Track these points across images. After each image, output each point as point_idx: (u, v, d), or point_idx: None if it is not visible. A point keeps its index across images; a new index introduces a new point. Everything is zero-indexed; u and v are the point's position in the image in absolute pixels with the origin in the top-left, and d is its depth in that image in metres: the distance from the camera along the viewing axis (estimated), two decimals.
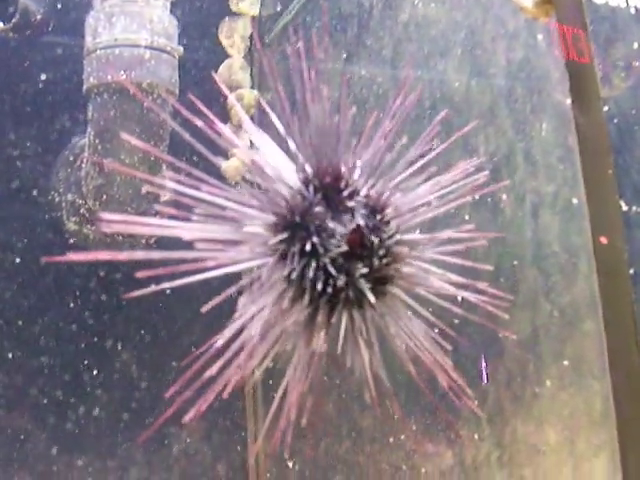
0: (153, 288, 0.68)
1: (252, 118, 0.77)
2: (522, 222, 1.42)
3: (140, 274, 0.72)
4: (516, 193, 1.45)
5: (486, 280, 0.83)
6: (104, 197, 1.45)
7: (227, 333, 0.72)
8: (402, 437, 1.59)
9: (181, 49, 1.50)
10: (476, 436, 1.52)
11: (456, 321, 0.89)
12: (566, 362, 1.36)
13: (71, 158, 1.54)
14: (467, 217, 1.42)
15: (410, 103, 0.85)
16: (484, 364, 1.45)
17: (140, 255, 0.77)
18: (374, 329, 0.79)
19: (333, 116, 0.81)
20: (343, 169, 0.81)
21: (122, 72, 1.42)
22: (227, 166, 1.45)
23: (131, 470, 1.50)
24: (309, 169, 0.79)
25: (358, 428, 1.57)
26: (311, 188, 0.78)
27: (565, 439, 1.35)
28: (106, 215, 0.75)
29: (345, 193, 0.79)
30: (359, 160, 0.84)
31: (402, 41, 1.58)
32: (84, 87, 1.48)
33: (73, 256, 0.68)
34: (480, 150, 1.48)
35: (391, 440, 1.55)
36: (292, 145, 0.81)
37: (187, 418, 0.68)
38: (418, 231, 0.85)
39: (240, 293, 0.77)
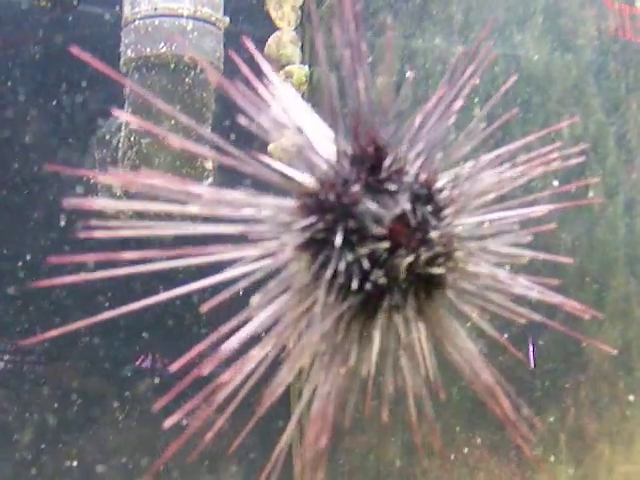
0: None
1: (303, 96, 0.66)
2: (614, 218, 1.24)
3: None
4: (607, 185, 1.26)
5: (569, 282, 0.68)
6: None
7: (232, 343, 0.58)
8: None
9: (227, 20, 1.37)
10: (552, 458, 1.34)
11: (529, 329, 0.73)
12: None
13: (107, 137, 1.44)
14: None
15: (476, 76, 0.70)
16: (531, 347, 1.29)
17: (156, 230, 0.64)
18: (420, 340, 0.64)
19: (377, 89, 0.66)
20: (388, 143, 0.66)
21: (162, 44, 1.30)
22: (274, 147, 1.31)
23: None
24: (346, 141, 0.64)
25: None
26: (346, 162, 0.63)
27: None
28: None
29: (389, 171, 0.64)
30: (413, 136, 0.69)
31: (473, 8, 1.40)
32: (121, 61, 1.36)
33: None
34: (564, 133, 1.30)
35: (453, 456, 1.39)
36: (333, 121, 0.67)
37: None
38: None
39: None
